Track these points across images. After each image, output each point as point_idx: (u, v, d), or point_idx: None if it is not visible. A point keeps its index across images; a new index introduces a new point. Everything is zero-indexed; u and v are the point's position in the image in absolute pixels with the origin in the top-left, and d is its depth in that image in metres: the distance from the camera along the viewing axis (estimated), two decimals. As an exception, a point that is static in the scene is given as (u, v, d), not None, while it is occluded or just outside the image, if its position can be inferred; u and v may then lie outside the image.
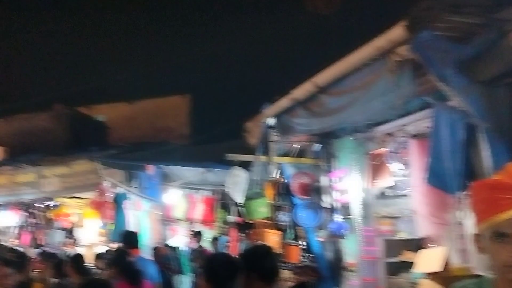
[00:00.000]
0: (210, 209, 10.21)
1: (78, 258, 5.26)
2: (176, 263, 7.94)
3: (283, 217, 6.36)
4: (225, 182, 7.08)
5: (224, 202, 9.73)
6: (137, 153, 10.42)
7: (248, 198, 6.78)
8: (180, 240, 9.77)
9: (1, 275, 2.68)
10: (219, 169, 9.01)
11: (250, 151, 6.73)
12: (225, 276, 2.58)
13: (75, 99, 14.88)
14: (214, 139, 10.56)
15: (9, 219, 11.27)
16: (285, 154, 6.82)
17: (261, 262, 2.66)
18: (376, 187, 5.63)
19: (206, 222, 10.19)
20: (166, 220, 9.73)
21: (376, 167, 5.53)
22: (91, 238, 10.76)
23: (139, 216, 9.31)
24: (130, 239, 5.67)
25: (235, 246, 7.10)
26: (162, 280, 5.97)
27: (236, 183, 6.79)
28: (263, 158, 6.57)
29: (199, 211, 10.18)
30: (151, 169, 9.41)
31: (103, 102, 15.77)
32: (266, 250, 2.86)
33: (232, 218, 9.18)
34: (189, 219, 10.22)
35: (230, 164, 7.33)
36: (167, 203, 9.68)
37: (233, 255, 3.47)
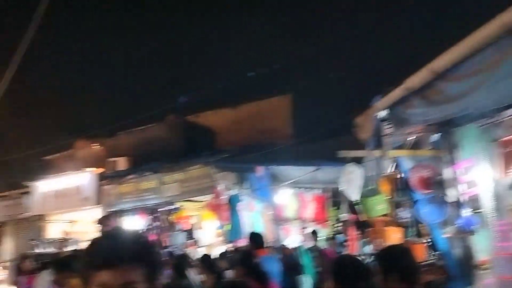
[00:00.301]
0: (322, 207, 10.18)
1: (207, 258, 5.50)
2: (298, 262, 8.00)
3: (404, 214, 6.05)
4: (339, 180, 6.95)
5: (335, 200, 9.62)
6: (246, 156, 10.74)
7: (364, 195, 6.58)
8: (294, 239, 9.86)
9: None
10: (329, 167, 8.92)
11: (361, 146, 6.53)
12: (354, 279, 2.53)
13: (185, 108, 15.84)
14: (321, 137, 10.46)
15: (137, 223, 12.32)
16: (400, 147, 6.52)
17: (401, 262, 2.55)
18: (510, 177, 5.11)
19: (318, 220, 10.18)
20: (278, 220, 9.89)
21: (509, 154, 5.03)
22: (209, 238, 11.33)
23: (253, 216, 9.59)
24: (255, 239, 5.81)
25: (354, 245, 6.93)
26: (287, 279, 6.05)
27: (351, 180, 6.62)
28: (376, 152, 6.34)
29: (311, 210, 10.21)
30: (260, 171, 9.66)
31: (209, 109, 16.52)
32: (403, 250, 2.74)
33: (345, 216, 9.01)
34: (301, 218, 10.28)
35: (341, 161, 7.19)
36: (278, 203, 9.85)
37: (357, 256, 3.38)
